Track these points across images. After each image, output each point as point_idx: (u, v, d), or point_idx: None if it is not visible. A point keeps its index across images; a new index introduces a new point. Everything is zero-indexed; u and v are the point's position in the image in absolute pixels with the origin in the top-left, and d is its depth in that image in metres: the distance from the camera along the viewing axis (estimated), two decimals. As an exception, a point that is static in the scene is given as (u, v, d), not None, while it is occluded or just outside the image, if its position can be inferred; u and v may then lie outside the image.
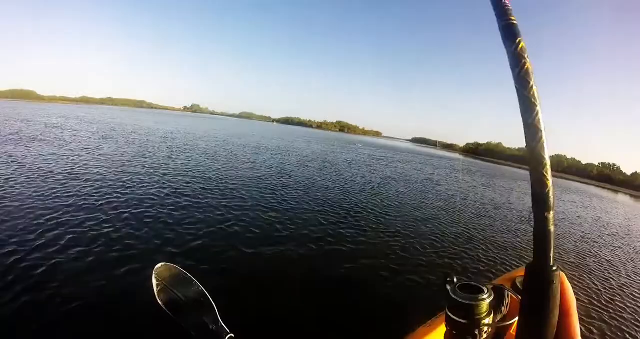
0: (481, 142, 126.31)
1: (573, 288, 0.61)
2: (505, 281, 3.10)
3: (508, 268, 6.55)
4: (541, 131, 0.63)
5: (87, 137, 17.43)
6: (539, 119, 0.65)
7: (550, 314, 0.59)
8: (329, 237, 6.67)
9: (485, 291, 0.78)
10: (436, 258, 6.41)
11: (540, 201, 0.59)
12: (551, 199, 0.61)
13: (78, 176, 9.06)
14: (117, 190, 8.05)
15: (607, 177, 70.18)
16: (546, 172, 0.60)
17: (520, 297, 2.06)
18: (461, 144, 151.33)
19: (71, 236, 5.35)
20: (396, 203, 11.11)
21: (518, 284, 2.84)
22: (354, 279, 5.06)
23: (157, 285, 1.25)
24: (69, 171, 9.52)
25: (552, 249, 0.60)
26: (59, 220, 5.89)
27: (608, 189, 53.45)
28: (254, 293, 4.31)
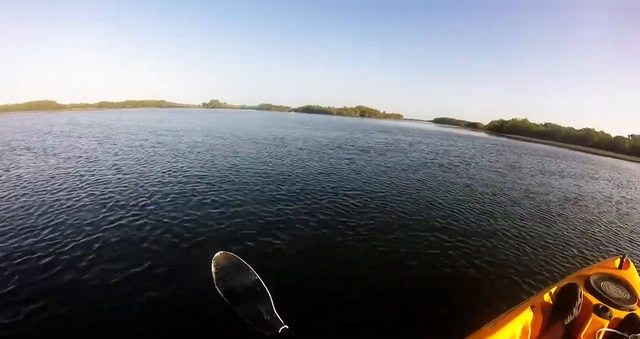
0: (506, 119, 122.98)
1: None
2: (578, 279, 3.02)
3: (578, 265, 6.16)
4: None
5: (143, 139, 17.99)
6: None
7: None
8: (391, 232, 6.75)
9: None
10: (500, 253, 6.29)
11: None
12: None
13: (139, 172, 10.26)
14: (172, 185, 8.92)
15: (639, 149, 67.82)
16: None
17: (594, 297, 2.44)
18: (485, 122, 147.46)
19: (135, 224, 6.11)
20: (459, 192, 11.01)
21: (592, 284, 2.85)
22: (414, 275, 5.07)
23: (216, 273, 1.35)
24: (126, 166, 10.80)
25: None
26: (129, 213, 6.66)
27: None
28: (312, 286, 4.50)
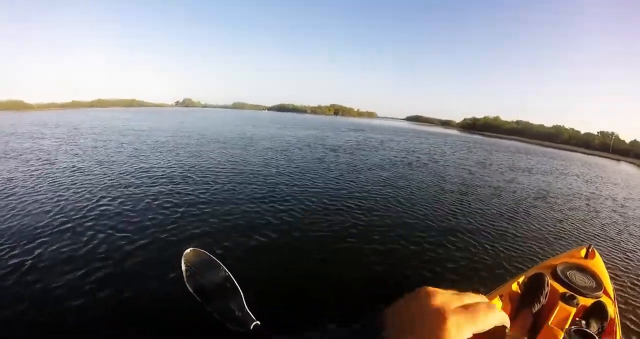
0: (478, 117, 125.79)
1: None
2: (545, 269, 3.17)
3: (544, 255, 6.11)
4: None
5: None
6: None
7: None
8: (362, 222, 6.87)
9: None
10: (468, 246, 6.27)
11: None
12: None
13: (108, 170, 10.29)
14: (136, 186, 8.65)
15: (608, 146, 70.27)
16: None
17: (561, 286, 2.33)
18: (457, 120, 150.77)
19: (105, 223, 5.96)
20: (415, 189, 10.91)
21: (559, 273, 3.01)
22: (383, 271, 5.03)
23: (187, 270, 1.27)
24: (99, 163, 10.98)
25: None
26: (97, 210, 6.61)
27: (612, 158, 53.39)
28: (282, 282, 4.43)
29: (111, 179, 9.13)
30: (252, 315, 1.05)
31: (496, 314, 0.43)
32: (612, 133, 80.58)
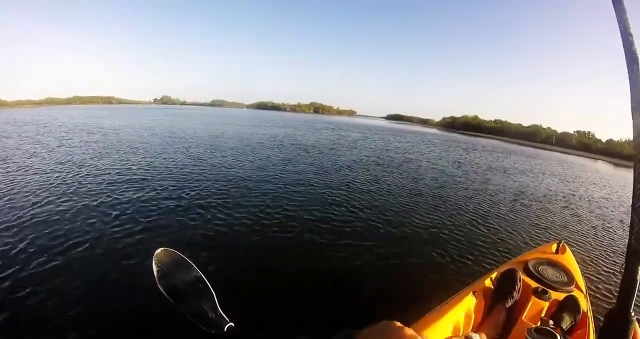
0: (457, 115, 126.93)
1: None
2: (517, 264, 3.22)
3: (516, 252, 6.22)
4: None
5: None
6: None
7: None
8: (332, 223, 6.78)
9: (558, 338, 0.89)
10: (440, 244, 6.29)
11: (634, 255, 0.76)
12: None
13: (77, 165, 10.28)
14: (106, 184, 8.54)
15: (585, 145, 71.61)
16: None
17: (533, 281, 2.39)
18: (437, 119, 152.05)
19: (71, 223, 5.78)
20: (393, 186, 11.03)
21: (531, 268, 3.07)
22: (355, 268, 5.04)
23: (158, 271, 1.26)
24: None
25: (634, 300, 0.76)
26: (61, 207, 6.50)
27: (589, 157, 54.36)
28: (254, 283, 4.37)
29: (70, 179, 8.84)
30: (225, 317, 1.06)
31: None
32: (589, 132, 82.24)
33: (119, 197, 7.44)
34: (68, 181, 8.55)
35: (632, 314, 0.75)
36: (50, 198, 7.05)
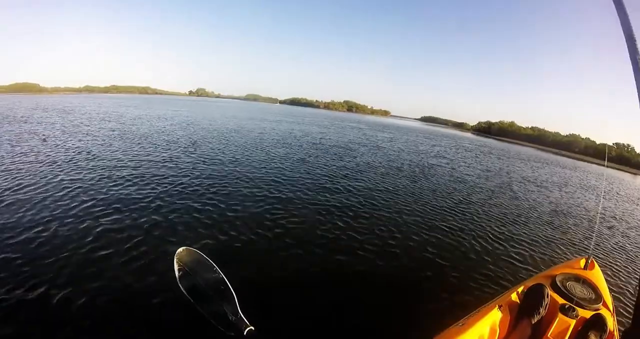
0: (493, 121, 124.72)
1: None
2: (544, 279, 3.17)
3: (545, 264, 6.31)
4: None
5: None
6: None
7: None
8: (358, 228, 6.70)
9: None
10: (468, 253, 6.31)
11: None
12: None
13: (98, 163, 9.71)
14: (134, 177, 8.47)
15: (625, 159, 69.61)
16: None
17: (560, 297, 2.48)
18: (471, 123, 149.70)
19: (94, 221, 5.67)
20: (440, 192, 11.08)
21: (558, 284, 3.00)
22: (382, 275, 5.01)
23: (179, 270, 1.32)
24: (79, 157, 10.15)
25: None
26: (84, 206, 6.27)
27: (629, 172, 52.82)
28: (277, 286, 4.34)
29: (99, 172, 8.77)
30: (246, 320, 1.11)
31: None
32: (628, 145, 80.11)
33: (135, 190, 7.48)
34: (71, 171, 8.63)
35: None
36: (61, 193, 6.90)
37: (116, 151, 11.64)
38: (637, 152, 76.23)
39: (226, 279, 1.26)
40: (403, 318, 4.01)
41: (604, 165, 54.99)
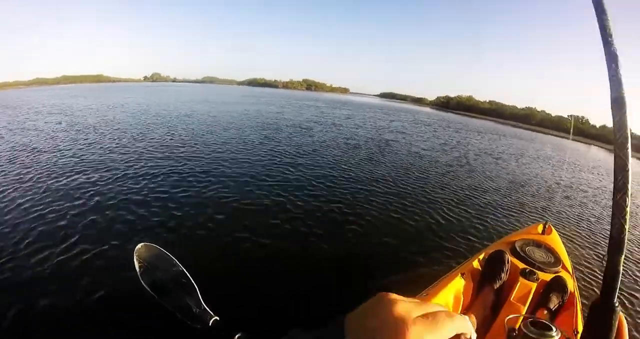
0: (451, 95, 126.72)
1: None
2: (504, 245, 3.27)
3: (505, 232, 6.35)
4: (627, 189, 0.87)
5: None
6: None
7: None
8: (312, 208, 6.63)
9: (554, 330, 0.94)
10: (426, 225, 6.36)
11: (616, 246, 0.81)
12: (625, 244, 0.81)
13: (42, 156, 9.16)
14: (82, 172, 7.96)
15: (580, 130, 72.07)
16: (625, 218, 0.82)
17: (521, 262, 2.47)
18: (431, 98, 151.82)
19: (48, 221, 5.37)
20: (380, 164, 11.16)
21: (518, 249, 3.11)
22: (340, 253, 5.01)
23: (140, 267, 1.23)
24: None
25: (617, 290, 0.81)
26: (36, 204, 5.92)
27: (582, 142, 54.77)
28: (236, 273, 4.30)
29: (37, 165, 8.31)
30: (209, 311, 1.05)
31: (456, 324, 0.44)
32: (582, 117, 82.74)
33: (78, 184, 7.05)
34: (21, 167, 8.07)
35: (617, 304, 0.80)
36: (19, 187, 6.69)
37: (60, 144, 10.95)
38: (591, 124, 78.86)
39: (186, 272, 1.15)
40: (364, 296, 4.00)
41: (561, 137, 56.75)
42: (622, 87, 0.89)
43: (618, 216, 0.82)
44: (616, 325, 0.78)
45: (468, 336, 0.47)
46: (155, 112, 21.97)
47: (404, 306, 0.45)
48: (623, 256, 0.82)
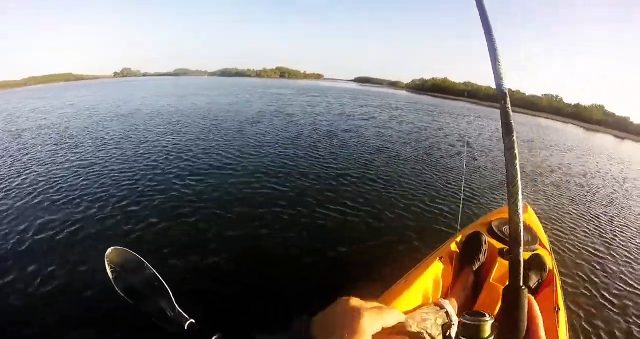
0: (426, 78, 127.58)
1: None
2: (481, 226, 3.30)
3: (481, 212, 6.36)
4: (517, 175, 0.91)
5: None
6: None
7: (520, 323, 0.85)
8: (284, 207, 6.37)
9: (487, 316, 0.96)
10: (401, 210, 6.38)
11: (516, 242, 0.88)
12: (522, 239, 0.87)
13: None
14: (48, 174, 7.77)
15: (556, 109, 73.60)
16: (519, 214, 0.88)
17: (499, 242, 2.47)
18: (406, 81, 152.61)
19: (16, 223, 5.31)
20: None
21: (495, 229, 3.14)
22: (316, 246, 4.97)
23: (112, 272, 1.21)
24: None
25: (522, 275, 0.86)
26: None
27: (558, 121, 55.80)
28: (206, 273, 4.29)
29: None
30: (184, 314, 1.04)
31: (395, 314, 0.60)
32: (557, 96, 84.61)
33: (24, 189, 6.80)
34: None
35: (523, 287, 0.86)
36: None
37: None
38: (565, 102, 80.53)
39: (159, 275, 1.15)
40: (341, 286, 3.77)
41: (531, 115, 57.79)
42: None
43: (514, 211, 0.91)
44: (526, 304, 0.85)
45: (407, 324, 0.64)
46: (111, 110, 20.82)
47: (358, 302, 0.59)
48: (522, 248, 0.88)
